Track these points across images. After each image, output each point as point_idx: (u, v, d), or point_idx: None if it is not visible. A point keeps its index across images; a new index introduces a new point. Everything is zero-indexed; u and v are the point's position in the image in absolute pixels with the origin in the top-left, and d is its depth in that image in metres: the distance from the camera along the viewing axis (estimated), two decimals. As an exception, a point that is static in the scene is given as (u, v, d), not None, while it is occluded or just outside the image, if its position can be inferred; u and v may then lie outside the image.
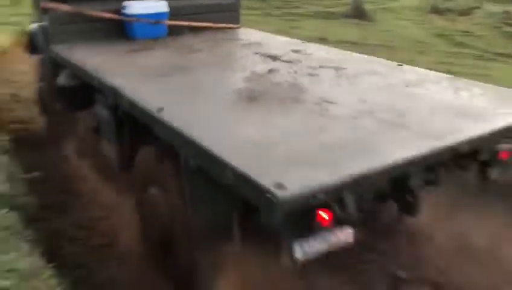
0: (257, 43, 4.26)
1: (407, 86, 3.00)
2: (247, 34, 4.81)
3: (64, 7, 4.08)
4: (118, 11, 4.27)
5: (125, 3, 4.28)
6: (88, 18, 4.14)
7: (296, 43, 4.31)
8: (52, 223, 3.34)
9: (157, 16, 4.36)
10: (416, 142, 2.10)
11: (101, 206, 3.44)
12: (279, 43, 4.35)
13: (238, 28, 4.99)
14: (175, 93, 2.86)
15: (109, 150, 3.30)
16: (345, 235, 1.88)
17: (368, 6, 16.05)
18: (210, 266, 2.22)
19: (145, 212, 2.82)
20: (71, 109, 3.93)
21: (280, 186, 1.64)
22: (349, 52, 4.10)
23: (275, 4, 19.99)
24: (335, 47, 4.38)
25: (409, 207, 2.30)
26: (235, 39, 4.67)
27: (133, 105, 2.70)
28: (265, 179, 1.69)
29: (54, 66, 4.02)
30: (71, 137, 4.18)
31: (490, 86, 3.07)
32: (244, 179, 1.77)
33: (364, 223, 2.01)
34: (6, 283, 2.21)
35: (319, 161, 1.90)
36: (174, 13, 4.45)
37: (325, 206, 1.75)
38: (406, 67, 3.51)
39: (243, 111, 2.56)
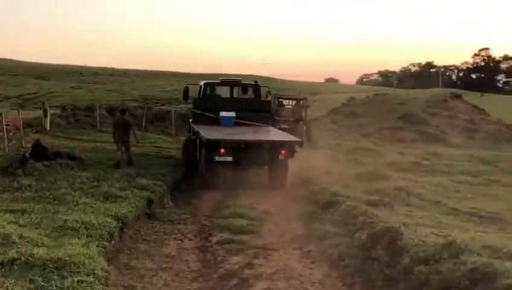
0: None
1: None
2: None
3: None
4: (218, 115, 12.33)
5: (221, 113, 12.30)
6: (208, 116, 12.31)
7: None
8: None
9: (231, 118, 12.25)
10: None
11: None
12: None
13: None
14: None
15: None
16: (228, 157, 9.35)
17: None
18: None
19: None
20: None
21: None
22: None
23: (508, 168, 14.77)
24: None
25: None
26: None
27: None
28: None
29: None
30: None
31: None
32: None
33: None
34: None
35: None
36: (237, 117, 12.28)
37: (223, 146, 9.40)
38: None
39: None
